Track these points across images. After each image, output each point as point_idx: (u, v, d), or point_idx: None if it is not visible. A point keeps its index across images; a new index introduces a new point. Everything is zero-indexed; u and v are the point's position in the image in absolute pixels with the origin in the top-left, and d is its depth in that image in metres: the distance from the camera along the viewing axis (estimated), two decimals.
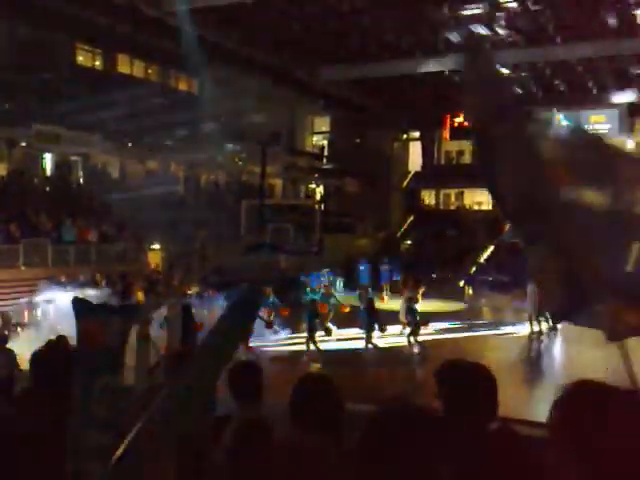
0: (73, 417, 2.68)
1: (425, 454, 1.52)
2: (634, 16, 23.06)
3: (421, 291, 16.49)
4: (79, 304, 4.34)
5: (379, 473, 1.50)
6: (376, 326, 15.11)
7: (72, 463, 2.48)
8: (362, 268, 24.83)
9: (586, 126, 36.48)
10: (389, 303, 20.13)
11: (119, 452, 1.52)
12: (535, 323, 17.56)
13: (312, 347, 14.49)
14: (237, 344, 1.79)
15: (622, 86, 31.97)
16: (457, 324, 18.59)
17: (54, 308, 16.05)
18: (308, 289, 17.79)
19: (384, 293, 23.40)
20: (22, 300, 17.01)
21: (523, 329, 17.87)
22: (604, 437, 1.20)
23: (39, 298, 16.68)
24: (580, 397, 1.29)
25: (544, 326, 17.77)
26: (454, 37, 25.56)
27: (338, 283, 18.77)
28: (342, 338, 16.07)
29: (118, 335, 4.27)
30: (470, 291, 28.16)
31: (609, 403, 1.26)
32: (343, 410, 2.26)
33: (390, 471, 1.50)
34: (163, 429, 1.53)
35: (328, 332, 15.94)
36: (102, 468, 2.10)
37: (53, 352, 2.89)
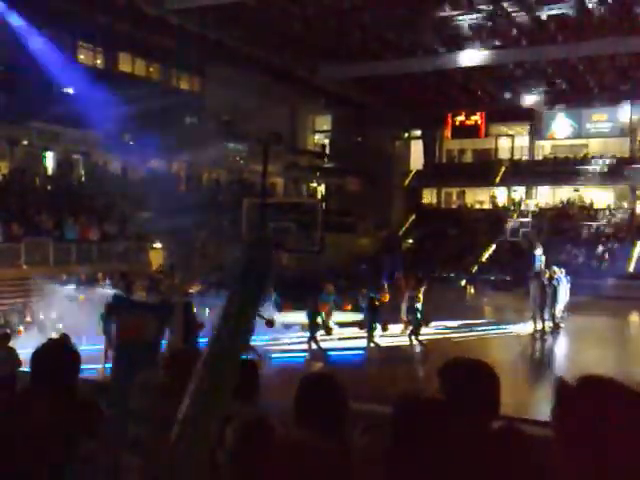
0: (111, 410, 2.68)
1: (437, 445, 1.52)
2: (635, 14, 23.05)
3: (422, 290, 16.49)
4: (118, 300, 4.41)
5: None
6: (378, 325, 15.11)
7: (109, 456, 2.48)
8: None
9: (587, 125, 36.50)
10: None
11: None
12: (538, 321, 17.55)
13: (314, 346, 14.49)
14: (253, 325, 1.63)
15: (624, 85, 31.91)
16: (459, 323, 18.57)
17: (56, 307, 16.06)
18: None
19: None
20: (24, 299, 17.03)
21: (525, 328, 17.87)
22: (610, 433, 1.18)
23: (41, 297, 16.70)
24: (586, 392, 1.28)
25: (547, 325, 17.79)
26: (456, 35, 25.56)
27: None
28: (344, 337, 16.09)
29: (155, 331, 4.35)
30: (472, 290, 28.18)
31: (616, 398, 1.24)
32: (347, 409, 2.25)
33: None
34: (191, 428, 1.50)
35: (329, 331, 15.94)
36: (138, 462, 2.10)
37: (55, 350, 2.88)
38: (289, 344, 15.38)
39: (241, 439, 2.21)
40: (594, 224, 33.66)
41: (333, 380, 2.41)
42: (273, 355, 14.10)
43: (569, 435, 1.23)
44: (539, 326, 17.55)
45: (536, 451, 2.06)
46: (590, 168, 34.99)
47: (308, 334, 14.69)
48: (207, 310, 16.87)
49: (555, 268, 19.35)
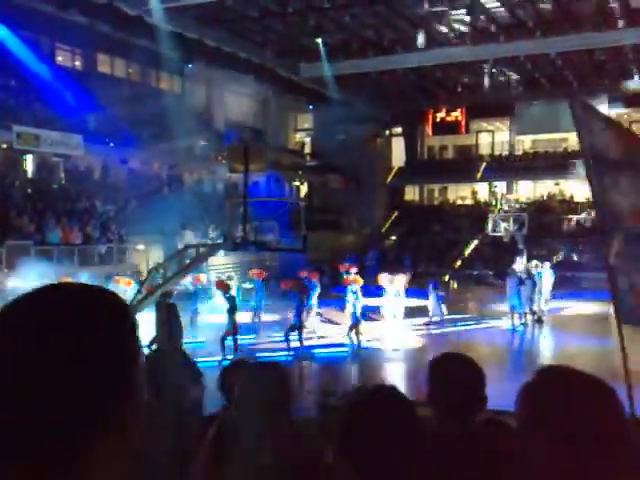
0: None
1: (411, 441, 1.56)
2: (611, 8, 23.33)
3: (402, 286, 16.60)
4: None
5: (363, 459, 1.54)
6: (362, 320, 15.18)
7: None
8: None
9: (566, 119, 36.84)
10: None
11: None
12: (517, 316, 17.68)
13: (299, 344, 14.51)
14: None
15: (601, 79, 32.23)
16: (442, 318, 18.65)
17: None
18: None
19: None
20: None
21: (506, 322, 18.01)
22: (572, 423, 1.22)
23: None
24: (548, 383, 1.33)
25: (529, 318, 17.95)
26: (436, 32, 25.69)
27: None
28: (326, 336, 16.14)
29: None
30: (455, 285, 28.36)
31: (576, 389, 1.28)
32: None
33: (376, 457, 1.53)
34: None
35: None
36: None
37: None
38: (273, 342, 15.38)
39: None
40: (575, 217, 33.99)
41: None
42: (257, 355, 14.10)
43: (530, 425, 1.28)
44: (520, 320, 17.69)
45: (519, 443, 2.11)
46: (570, 162, 35.30)
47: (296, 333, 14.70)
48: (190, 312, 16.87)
49: (536, 262, 19.55)
